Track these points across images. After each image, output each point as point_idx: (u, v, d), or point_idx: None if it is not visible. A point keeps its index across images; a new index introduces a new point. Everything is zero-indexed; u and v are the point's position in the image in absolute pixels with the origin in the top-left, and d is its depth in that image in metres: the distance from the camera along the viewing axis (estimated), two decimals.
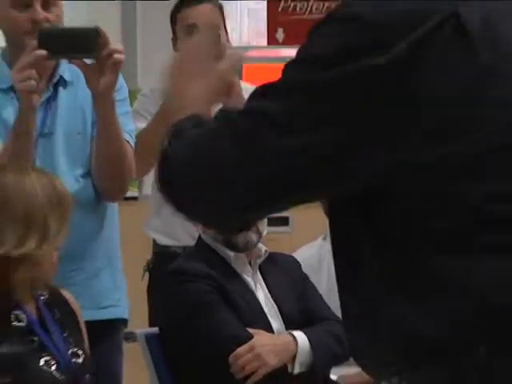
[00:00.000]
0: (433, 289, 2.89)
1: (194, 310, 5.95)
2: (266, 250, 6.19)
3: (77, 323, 5.28)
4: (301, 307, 6.14)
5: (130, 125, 6.05)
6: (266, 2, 10.35)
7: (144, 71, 9.07)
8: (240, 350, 5.74)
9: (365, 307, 3.03)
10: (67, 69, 5.90)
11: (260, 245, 6.16)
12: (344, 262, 3.10)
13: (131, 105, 6.60)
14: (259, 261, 6.16)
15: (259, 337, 5.83)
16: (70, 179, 5.59)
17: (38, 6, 5.84)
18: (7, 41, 6.13)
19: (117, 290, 5.96)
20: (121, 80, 5.89)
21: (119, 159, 5.78)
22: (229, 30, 7.68)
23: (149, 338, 6.08)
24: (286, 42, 10.21)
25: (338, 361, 6.07)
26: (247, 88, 6.61)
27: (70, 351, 5.12)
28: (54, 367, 5.04)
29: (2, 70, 5.93)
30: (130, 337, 6.38)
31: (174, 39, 7.47)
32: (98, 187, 5.83)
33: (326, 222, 6.08)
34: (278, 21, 10.52)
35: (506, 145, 2.84)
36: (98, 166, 5.80)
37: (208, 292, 5.92)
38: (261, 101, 2.92)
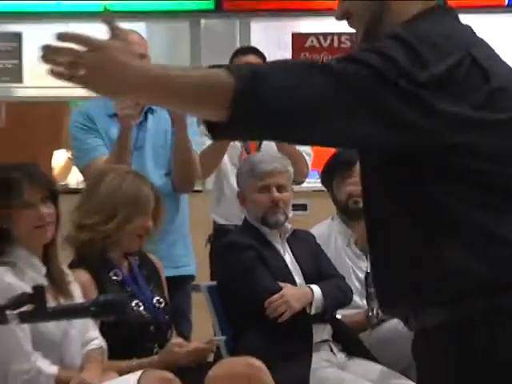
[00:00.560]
0: (483, 236, 3.08)
1: (241, 270, 6.43)
2: (291, 228, 6.68)
3: (159, 278, 6.03)
4: (316, 268, 6.62)
5: (197, 140, 6.83)
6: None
7: None
8: (273, 297, 6.20)
9: (418, 254, 3.15)
10: (156, 108, 6.64)
11: (287, 224, 6.65)
12: (399, 218, 3.18)
13: (198, 125, 6.81)
14: (286, 235, 6.65)
15: (286, 288, 6.29)
16: (155, 177, 6.37)
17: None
18: None
19: (187, 255, 6.82)
20: None
21: (189, 164, 6.67)
22: None
23: (210, 289, 6.53)
24: None
25: (342, 306, 6.54)
26: None
27: (154, 299, 5.83)
28: (141, 308, 5.71)
29: (107, 102, 6.61)
30: (196, 288, 6.78)
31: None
32: (174, 183, 6.69)
33: (333, 207, 7.00)
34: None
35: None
36: (174, 168, 6.68)
37: (250, 257, 6.43)
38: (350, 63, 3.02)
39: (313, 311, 6.35)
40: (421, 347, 3.43)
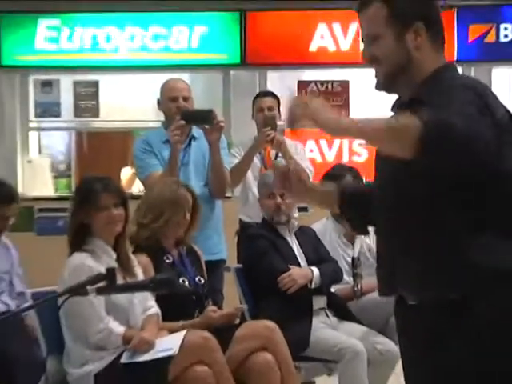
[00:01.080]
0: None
1: (259, 255, 6.39)
2: (297, 224, 6.67)
3: (200, 262, 5.97)
4: (316, 254, 6.51)
5: (227, 160, 6.79)
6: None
7: (235, 130, 9.60)
8: (283, 275, 6.18)
9: (456, 245, 2.96)
10: (195, 130, 6.59)
11: (294, 221, 6.62)
12: (447, 215, 2.97)
13: (228, 149, 7.15)
14: (294, 230, 6.59)
15: (293, 269, 6.25)
16: (196, 187, 6.25)
17: (180, 101, 6.59)
18: (165, 117, 6.70)
19: (220, 244, 6.69)
20: (222, 136, 6.61)
21: (221, 178, 6.59)
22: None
23: (237, 270, 6.49)
24: None
25: (335, 282, 6.49)
26: (290, 142, 7.53)
27: (196, 278, 5.80)
28: (186, 284, 5.70)
29: (162, 131, 6.65)
30: (227, 269, 6.63)
31: (253, 112, 7.80)
32: (210, 191, 6.59)
33: (327, 210, 6.94)
34: None
35: None
36: (210, 180, 6.59)
37: (265, 246, 6.39)
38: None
39: (313, 286, 6.29)
40: (423, 319, 3.13)
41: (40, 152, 11.10)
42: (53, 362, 5.07)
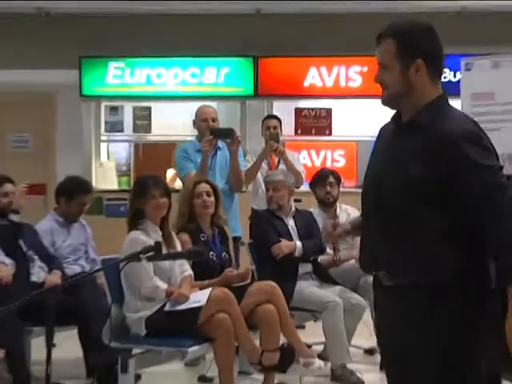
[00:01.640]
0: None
1: (261, 232, 6.36)
2: (293, 210, 6.47)
3: (227, 241, 5.89)
4: (307, 232, 6.35)
5: (243, 164, 6.79)
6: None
7: (249, 143, 9.38)
8: (274, 246, 6.12)
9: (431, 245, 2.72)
10: (220, 143, 6.56)
11: (288, 207, 6.44)
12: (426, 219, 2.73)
13: (244, 157, 7.03)
14: (292, 213, 6.43)
15: (282, 242, 6.16)
16: (220, 184, 6.25)
17: (210, 122, 6.54)
18: (198, 133, 6.65)
19: (237, 226, 6.60)
20: (239, 147, 6.59)
21: (238, 177, 6.58)
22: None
23: (249, 244, 6.43)
24: (303, 133, 10.46)
25: (316, 253, 6.39)
26: (289, 152, 7.54)
27: (223, 253, 5.74)
28: (215, 257, 5.64)
29: (196, 143, 6.62)
30: (242, 244, 6.58)
31: (262, 130, 7.69)
32: (231, 187, 6.56)
33: (315, 201, 6.89)
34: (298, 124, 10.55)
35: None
36: (230, 179, 6.56)
37: (265, 225, 6.32)
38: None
39: (296, 255, 6.20)
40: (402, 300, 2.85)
41: (108, 157, 11.15)
42: (115, 309, 5.05)
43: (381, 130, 3.10)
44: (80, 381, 5.70)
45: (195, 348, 4.95)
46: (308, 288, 6.13)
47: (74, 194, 6.25)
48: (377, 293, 3.07)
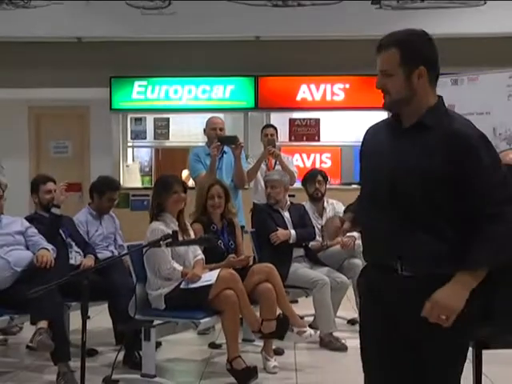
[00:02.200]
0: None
1: (261, 222, 6.36)
2: (288, 204, 6.40)
3: (234, 231, 5.79)
4: (301, 222, 6.28)
5: (245, 165, 6.71)
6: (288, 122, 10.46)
7: (250, 148, 9.33)
8: (272, 234, 6.10)
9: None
10: (226, 148, 6.45)
11: (284, 201, 6.37)
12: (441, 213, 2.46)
13: (246, 159, 7.01)
14: (286, 207, 6.36)
15: (279, 231, 6.12)
16: (226, 182, 6.11)
17: (218, 130, 6.48)
18: (208, 140, 6.56)
19: (240, 216, 6.36)
20: (242, 151, 6.48)
21: (241, 176, 6.49)
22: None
23: (251, 232, 6.40)
24: (296, 139, 10.42)
25: (308, 240, 6.36)
26: (284, 155, 7.58)
27: (230, 242, 5.68)
28: (222, 245, 5.59)
29: (206, 148, 6.54)
30: (245, 232, 6.37)
31: (261, 137, 7.63)
32: (235, 184, 6.44)
33: (306, 196, 6.85)
34: (292, 132, 10.50)
35: None
36: (235, 178, 6.46)
37: (265, 216, 6.29)
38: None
39: (291, 241, 6.16)
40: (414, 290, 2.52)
41: (133, 160, 11.12)
42: (139, 287, 5.04)
43: (370, 132, 2.82)
44: (110, 347, 5.70)
45: (206, 319, 4.94)
46: (301, 269, 6.10)
47: (105, 190, 6.22)
48: (385, 283, 2.61)
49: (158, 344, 5.55)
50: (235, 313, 4.97)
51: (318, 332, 5.75)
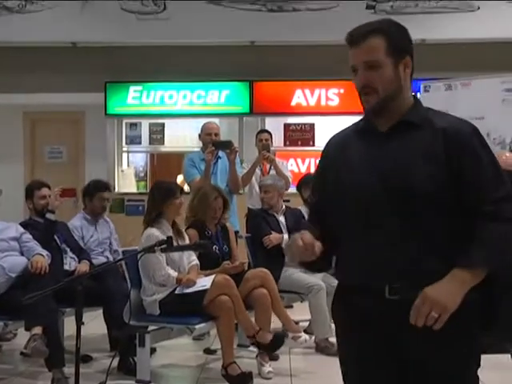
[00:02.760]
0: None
1: (255, 226, 6.41)
2: (283, 209, 6.41)
3: (228, 236, 5.81)
4: (296, 227, 5.87)
5: (240, 170, 6.68)
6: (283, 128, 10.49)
7: (245, 153, 9.21)
8: (265, 237, 6.11)
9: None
10: (221, 153, 6.45)
11: (279, 206, 6.38)
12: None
13: (240, 164, 7.01)
14: (281, 211, 6.38)
15: (272, 235, 6.14)
16: (222, 187, 6.05)
17: (213, 135, 6.50)
18: (203, 145, 6.54)
19: (236, 221, 6.45)
20: (237, 156, 6.47)
21: (236, 181, 6.48)
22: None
23: (246, 237, 6.41)
24: (290, 144, 10.43)
25: None
26: (278, 160, 7.61)
27: (224, 246, 5.69)
28: (217, 250, 5.59)
29: (201, 153, 6.50)
30: (240, 237, 6.39)
31: (256, 142, 7.73)
32: (230, 189, 6.40)
33: (301, 201, 6.85)
34: (287, 137, 10.49)
35: None
36: (229, 183, 6.44)
37: (259, 221, 6.33)
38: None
39: (283, 245, 6.07)
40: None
41: (128, 165, 11.08)
42: (134, 293, 5.03)
43: (333, 143, 2.47)
44: (105, 353, 5.67)
45: (201, 325, 4.94)
46: (296, 274, 6.06)
47: (94, 192, 6.25)
48: (380, 308, 2.26)
49: (153, 350, 5.52)
50: (230, 318, 4.95)
51: (313, 337, 5.75)
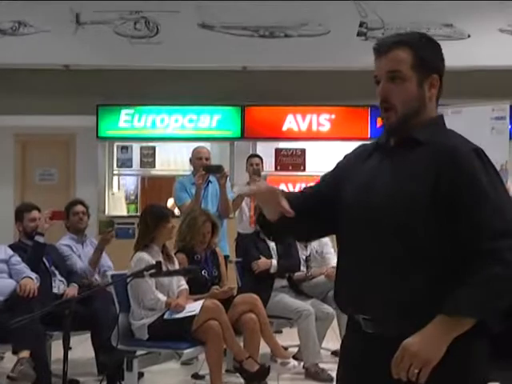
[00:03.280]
0: None
1: (245, 251, 6.34)
2: None
3: (218, 261, 5.82)
4: (286, 253, 6.23)
5: (231, 195, 6.67)
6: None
7: (236, 177, 9.37)
8: (253, 263, 6.07)
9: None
10: (211, 177, 6.48)
11: None
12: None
13: (231, 189, 6.91)
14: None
15: (260, 260, 6.08)
16: (211, 211, 6.11)
17: (203, 160, 6.52)
18: (194, 169, 6.61)
19: (225, 246, 6.51)
20: (228, 181, 6.57)
21: (226, 206, 6.50)
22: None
23: (236, 262, 6.41)
24: (281, 169, 10.44)
25: (292, 271, 6.29)
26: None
27: (213, 271, 5.70)
28: (206, 274, 5.60)
29: (191, 177, 6.57)
30: (230, 261, 6.48)
31: (246, 166, 7.78)
32: (220, 214, 6.43)
33: None
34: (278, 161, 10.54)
35: None
36: (220, 207, 6.47)
37: (249, 245, 6.27)
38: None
39: (271, 271, 6.10)
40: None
41: (119, 188, 11.09)
42: (122, 317, 5.01)
43: (361, 150, 2.33)
44: (92, 377, 5.63)
45: (189, 350, 4.92)
46: (285, 299, 6.06)
47: (68, 209, 6.30)
48: (355, 339, 2.14)
49: (141, 374, 5.49)
50: (219, 343, 4.94)
51: (302, 363, 5.73)
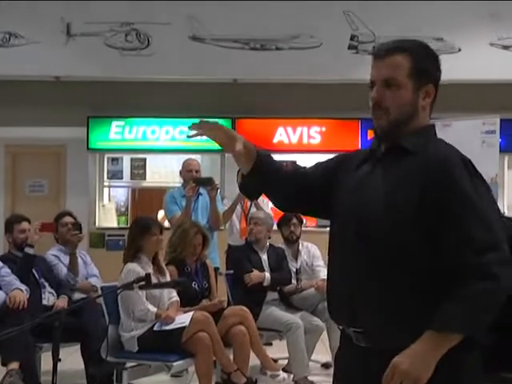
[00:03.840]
0: None
1: (236, 263, 6.34)
2: (267, 246, 6.37)
3: (208, 272, 5.83)
4: (277, 265, 6.27)
5: (221, 207, 6.69)
6: None
7: (226, 189, 9.31)
8: (245, 276, 6.07)
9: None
10: (202, 189, 6.49)
11: (263, 242, 6.33)
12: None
13: (221, 201, 6.90)
14: (265, 248, 6.34)
15: (253, 273, 6.09)
16: (202, 223, 6.16)
17: (194, 172, 6.55)
18: (184, 181, 6.61)
19: (215, 258, 6.50)
20: (218, 193, 6.54)
21: (217, 218, 6.52)
22: None
23: (226, 274, 6.40)
24: None
25: (283, 284, 6.32)
26: (260, 198, 7.64)
27: (203, 283, 5.70)
28: (197, 286, 5.61)
29: (182, 189, 6.55)
30: (220, 273, 6.48)
31: (237, 179, 8.07)
32: (210, 226, 6.45)
33: (281, 238, 6.84)
34: None
35: None
36: (211, 219, 6.49)
37: (241, 257, 6.31)
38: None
39: (264, 284, 6.13)
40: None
41: (109, 200, 11.11)
42: (112, 328, 5.03)
43: (357, 153, 2.31)
44: None
45: (179, 362, 4.94)
46: (275, 312, 6.08)
47: (57, 219, 6.33)
48: (348, 354, 2.15)
49: None
50: (208, 355, 4.96)
51: (292, 376, 5.75)
